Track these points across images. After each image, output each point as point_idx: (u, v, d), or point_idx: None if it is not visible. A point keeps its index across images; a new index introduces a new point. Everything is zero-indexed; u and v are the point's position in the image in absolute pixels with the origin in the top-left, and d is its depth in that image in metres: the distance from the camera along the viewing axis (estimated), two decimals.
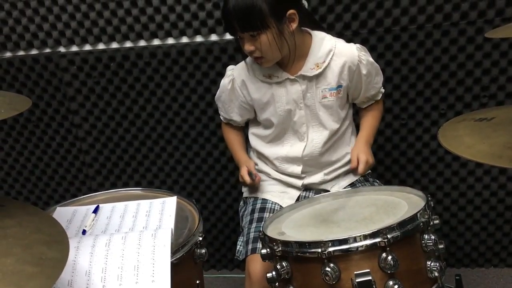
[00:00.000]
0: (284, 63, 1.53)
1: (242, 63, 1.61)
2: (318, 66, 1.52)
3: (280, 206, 1.60)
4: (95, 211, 1.39)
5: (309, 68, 1.52)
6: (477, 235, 2.05)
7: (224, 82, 1.64)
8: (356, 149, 1.59)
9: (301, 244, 1.15)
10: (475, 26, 1.78)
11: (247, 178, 1.58)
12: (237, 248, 1.58)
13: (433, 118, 1.91)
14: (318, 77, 1.53)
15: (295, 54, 1.50)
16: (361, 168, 1.53)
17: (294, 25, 1.45)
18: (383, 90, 1.66)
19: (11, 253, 0.82)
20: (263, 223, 1.49)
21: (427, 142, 1.95)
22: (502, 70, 1.82)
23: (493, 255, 2.06)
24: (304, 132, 1.58)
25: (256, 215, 1.57)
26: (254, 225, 1.54)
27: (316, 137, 1.58)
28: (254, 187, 1.65)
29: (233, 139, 1.73)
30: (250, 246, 1.49)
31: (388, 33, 1.83)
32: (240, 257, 1.55)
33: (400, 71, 1.87)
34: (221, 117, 1.74)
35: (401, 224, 1.11)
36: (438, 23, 1.79)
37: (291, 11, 1.43)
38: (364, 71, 1.55)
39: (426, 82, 1.87)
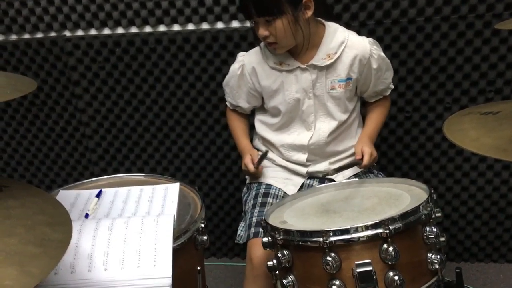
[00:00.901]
0: (296, 51, 1.54)
1: (255, 48, 1.61)
2: (329, 57, 1.52)
3: (284, 192, 1.60)
4: (98, 195, 1.39)
5: (320, 58, 1.53)
6: (478, 230, 2.05)
7: (234, 67, 1.64)
8: (360, 143, 1.59)
9: (302, 233, 1.15)
10: (483, 19, 1.77)
11: (250, 166, 1.59)
12: (238, 233, 1.59)
13: (438, 111, 1.91)
14: (328, 67, 1.53)
15: (308, 42, 1.50)
16: (366, 159, 1.53)
17: (309, 13, 1.46)
18: (392, 86, 1.66)
19: (15, 233, 0.82)
20: (266, 208, 1.49)
21: (431, 136, 1.95)
22: (509, 64, 1.81)
23: (493, 250, 2.06)
24: (311, 122, 1.59)
25: (259, 200, 1.58)
26: (257, 209, 1.55)
27: (323, 127, 1.59)
28: (256, 176, 1.65)
29: (237, 126, 1.73)
30: (252, 230, 1.50)
31: (396, 24, 1.81)
32: (241, 241, 1.56)
33: (406, 64, 1.86)
34: (227, 103, 1.73)
35: (403, 216, 1.11)
36: (446, 16, 1.78)
37: None
38: (374, 65, 1.55)
39: (432, 75, 1.86)
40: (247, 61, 1.61)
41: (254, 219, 1.52)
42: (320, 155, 1.62)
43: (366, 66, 1.55)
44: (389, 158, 2.00)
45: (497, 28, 1.06)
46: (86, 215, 1.30)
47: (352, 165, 1.58)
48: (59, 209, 0.95)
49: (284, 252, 1.18)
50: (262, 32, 1.46)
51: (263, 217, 1.29)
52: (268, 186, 1.63)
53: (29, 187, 1.01)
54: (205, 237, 1.29)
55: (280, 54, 1.54)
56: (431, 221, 1.16)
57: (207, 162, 2.12)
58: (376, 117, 1.67)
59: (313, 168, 1.63)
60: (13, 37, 2.08)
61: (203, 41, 1.94)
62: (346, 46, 1.53)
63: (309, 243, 1.13)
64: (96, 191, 1.41)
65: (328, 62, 1.53)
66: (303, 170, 1.63)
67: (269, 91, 1.59)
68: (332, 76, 1.54)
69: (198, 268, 1.29)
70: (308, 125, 1.59)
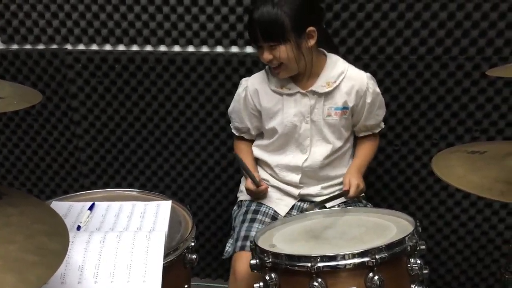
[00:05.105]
0: (298, 78, 1.61)
1: (260, 72, 1.69)
2: (329, 85, 1.60)
3: (275, 211, 1.64)
4: (91, 208, 1.41)
5: (320, 85, 1.60)
6: (458, 265, 2.09)
7: (239, 91, 1.70)
8: (349, 174, 1.65)
9: (291, 257, 1.18)
10: (473, 62, 1.84)
11: (251, 186, 1.62)
12: (226, 249, 1.62)
13: (425, 147, 1.97)
14: (327, 95, 1.60)
15: (311, 70, 1.58)
16: (352, 191, 1.58)
17: (312, 42, 1.54)
18: (383, 125, 1.73)
19: (14, 241, 0.84)
20: (255, 224, 1.52)
21: (417, 170, 2.00)
22: (495, 106, 1.88)
23: (472, 286, 2.10)
24: (307, 145, 1.64)
25: (249, 216, 1.62)
26: (246, 224, 1.59)
27: (319, 151, 1.64)
28: (261, 196, 1.68)
29: (243, 153, 1.75)
30: (239, 243, 1.53)
31: (389, 61, 1.88)
32: (227, 255, 1.59)
33: (398, 99, 1.92)
34: (234, 131, 1.78)
35: (390, 246, 1.15)
36: (438, 56, 1.85)
37: (311, 28, 1.52)
38: (368, 100, 1.62)
39: (421, 112, 1.92)
40: (250, 83, 1.68)
41: (242, 233, 1.55)
42: (313, 178, 1.67)
43: (362, 98, 1.61)
44: (376, 189, 2.04)
45: (487, 74, 1.12)
46: (78, 227, 1.31)
47: (339, 196, 1.62)
48: (56, 220, 0.97)
49: (272, 275, 1.21)
50: (267, 56, 1.54)
51: (253, 240, 1.31)
52: (259, 204, 1.67)
53: (28, 196, 1.03)
54: (194, 256, 1.31)
55: (283, 78, 1.60)
56: (415, 253, 1.19)
57: (198, 181, 2.15)
58: (365, 151, 1.73)
59: (305, 190, 1.67)
60: (15, 46, 2.11)
61: (202, 63, 1.98)
62: (345, 77, 1.61)
63: (296, 267, 1.16)
64: (89, 204, 1.43)
65: (327, 90, 1.60)
66: (296, 191, 1.67)
67: (269, 112, 1.65)
68: (330, 103, 1.61)
69: (186, 286, 1.31)
70: (304, 148, 1.65)
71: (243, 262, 1.47)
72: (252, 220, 1.60)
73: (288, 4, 1.48)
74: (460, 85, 1.87)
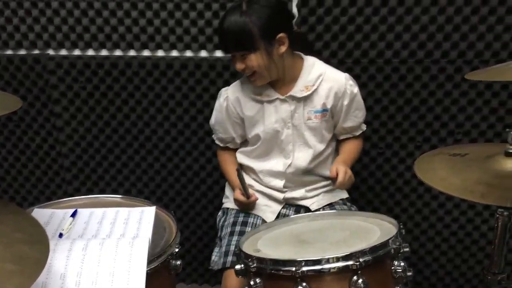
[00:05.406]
0: (277, 84, 1.61)
1: (237, 81, 1.69)
2: (307, 89, 1.59)
3: (263, 219, 1.64)
4: (73, 215, 1.39)
5: (299, 89, 1.59)
6: (443, 267, 2.11)
7: (219, 102, 1.69)
8: (335, 164, 1.62)
9: (275, 261, 1.18)
10: (454, 65, 1.86)
11: (241, 198, 1.62)
12: (212, 259, 1.60)
13: (409, 149, 1.98)
14: (306, 99, 1.60)
15: (285, 75, 1.58)
16: (341, 176, 1.54)
17: (283, 48, 1.53)
18: (364, 128, 1.73)
19: None
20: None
21: (401, 172, 2.01)
22: (477, 109, 1.90)
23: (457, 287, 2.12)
24: (290, 151, 1.64)
25: (237, 228, 1.61)
26: (235, 238, 1.57)
27: (301, 156, 1.64)
28: (250, 208, 1.67)
29: (229, 163, 1.74)
30: (229, 258, 1.51)
31: (372, 64, 1.89)
32: (215, 267, 1.56)
33: (381, 102, 1.93)
34: (217, 142, 1.77)
35: (373, 249, 1.15)
36: (420, 59, 1.87)
37: (281, 34, 1.51)
38: (346, 101, 1.62)
39: (404, 115, 1.94)
40: (231, 92, 1.67)
41: (232, 247, 1.54)
42: (297, 182, 1.67)
43: (340, 99, 1.61)
44: (361, 192, 2.05)
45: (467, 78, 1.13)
46: (60, 235, 1.30)
47: (328, 180, 1.61)
48: (36, 228, 0.95)
49: (257, 280, 1.20)
50: (239, 65, 1.54)
51: (237, 244, 1.31)
52: (247, 214, 1.66)
53: (8, 204, 1.02)
54: (178, 262, 1.30)
55: (262, 85, 1.60)
56: (399, 255, 1.20)
57: (183, 186, 2.14)
58: (348, 149, 1.71)
59: (290, 194, 1.67)
60: None
61: (186, 68, 1.98)
62: (323, 79, 1.60)
63: (281, 272, 1.16)
64: (71, 210, 1.41)
65: (305, 94, 1.59)
66: (280, 196, 1.67)
67: (251, 120, 1.64)
68: (309, 107, 1.61)
69: None
70: (287, 154, 1.64)
71: (234, 279, 1.43)
72: (241, 233, 1.58)
73: (255, 13, 1.47)
74: (442, 88, 1.89)
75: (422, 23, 1.82)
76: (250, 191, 1.63)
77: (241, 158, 1.73)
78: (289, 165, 1.64)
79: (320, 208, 1.65)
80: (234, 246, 1.53)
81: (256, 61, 1.51)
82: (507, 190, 1.08)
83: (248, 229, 1.60)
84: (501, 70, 1.17)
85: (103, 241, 1.21)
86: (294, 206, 1.68)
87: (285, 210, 1.67)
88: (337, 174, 1.55)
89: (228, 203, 1.75)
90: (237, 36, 1.49)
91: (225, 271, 1.51)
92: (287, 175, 1.65)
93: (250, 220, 1.64)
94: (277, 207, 1.67)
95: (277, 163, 1.66)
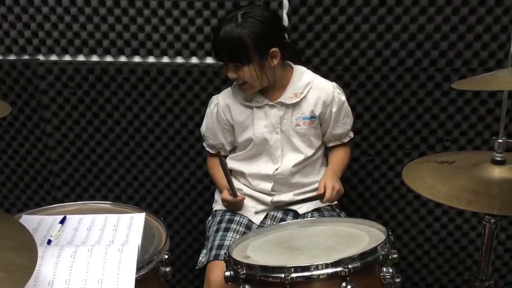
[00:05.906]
0: (267, 91, 1.64)
1: (228, 88, 1.72)
2: (296, 96, 1.63)
3: (249, 219, 1.65)
4: (62, 221, 1.39)
5: (288, 96, 1.63)
6: (432, 273, 2.12)
7: (210, 109, 1.72)
8: (323, 178, 1.65)
9: (265, 268, 1.18)
10: (443, 73, 1.88)
11: (228, 197, 1.64)
12: (199, 259, 1.61)
13: (398, 156, 2.00)
14: (295, 105, 1.63)
15: (275, 85, 1.62)
16: (328, 193, 1.57)
17: (275, 61, 1.57)
18: (351, 135, 1.76)
19: None
20: (229, 233, 1.52)
21: (391, 179, 2.03)
22: (465, 116, 1.92)
23: None
24: (279, 156, 1.67)
25: (223, 225, 1.64)
26: (220, 233, 1.60)
27: (289, 160, 1.66)
28: (238, 207, 1.69)
29: (218, 167, 1.72)
30: (213, 252, 1.53)
31: (362, 72, 1.91)
32: (201, 265, 1.59)
33: (371, 109, 1.95)
34: (208, 149, 1.79)
35: (362, 256, 1.16)
36: (409, 67, 1.89)
37: (274, 49, 1.56)
38: (334, 109, 1.65)
39: (394, 122, 1.96)
40: (221, 99, 1.70)
41: (216, 242, 1.56)
42: (285, 186, 1.69)
43: (328, 107, 1.65)
44: (350, 198, 2.06)
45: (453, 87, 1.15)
46: (49, 241, 1.29)
47: (314, 198, 1.63)
48: (25, 235, 0.95)
49: (246, 286, 1.20)
50: (232, 75, 1.58)
51: (227, 251, 1.31)
52: (234, 213, 1.69)
53: None
54: (168, 269, 1.30)
55: (251, 93, 1.63)
56: (387, 262, 1.21)
57: (173, 193, 2.13)
58: (337, 158, 1.74)
59: (278, 197, 1.69)
60: None
61: (177, 74, 1.98)
62: (312, 87, 1.64)
63: (270, 278, 1.16)
64: (60, 217, 1.41)
65: (294, 101, 1.63)
66: (268, 199, 1.69)
67: (241, 125, 1.67)
68: (297, 113, 1.64)
69: None
70: (276, 159, 1.67)
71: (218, 271, 1.48)
72: (226, 229, 1.61)
73: (251, 27, 1.50)
74: (431, 95, 1.91)
75: (411, 32, 1.85)
76: (238, 193, 1.65)
77: (230, 163, 1.74)
78: (277, 169, 1.66)
79: (308, 212, 1.66)
80: (218, 241, 1.56)
81: (248, 72, 1.55)
82: (494, 197, 1.10)
83: (234, 225, 1.62)
84: (487, 79, 1.19)
85: (92, 247, 1.21)
86: (282, 210, 1.69)
87: (273, 212, 1.69)
88: (325, 190, 1.57)
89: (217, 206, 1.77)
90: (232, 48, 1.52)
91: (209, 264, 1.53)
92: (275, 178, 1.67)
93: (237, 218, 1.67)
94: (265, 209, 1.69)
95: (266, 167, 1.68)
